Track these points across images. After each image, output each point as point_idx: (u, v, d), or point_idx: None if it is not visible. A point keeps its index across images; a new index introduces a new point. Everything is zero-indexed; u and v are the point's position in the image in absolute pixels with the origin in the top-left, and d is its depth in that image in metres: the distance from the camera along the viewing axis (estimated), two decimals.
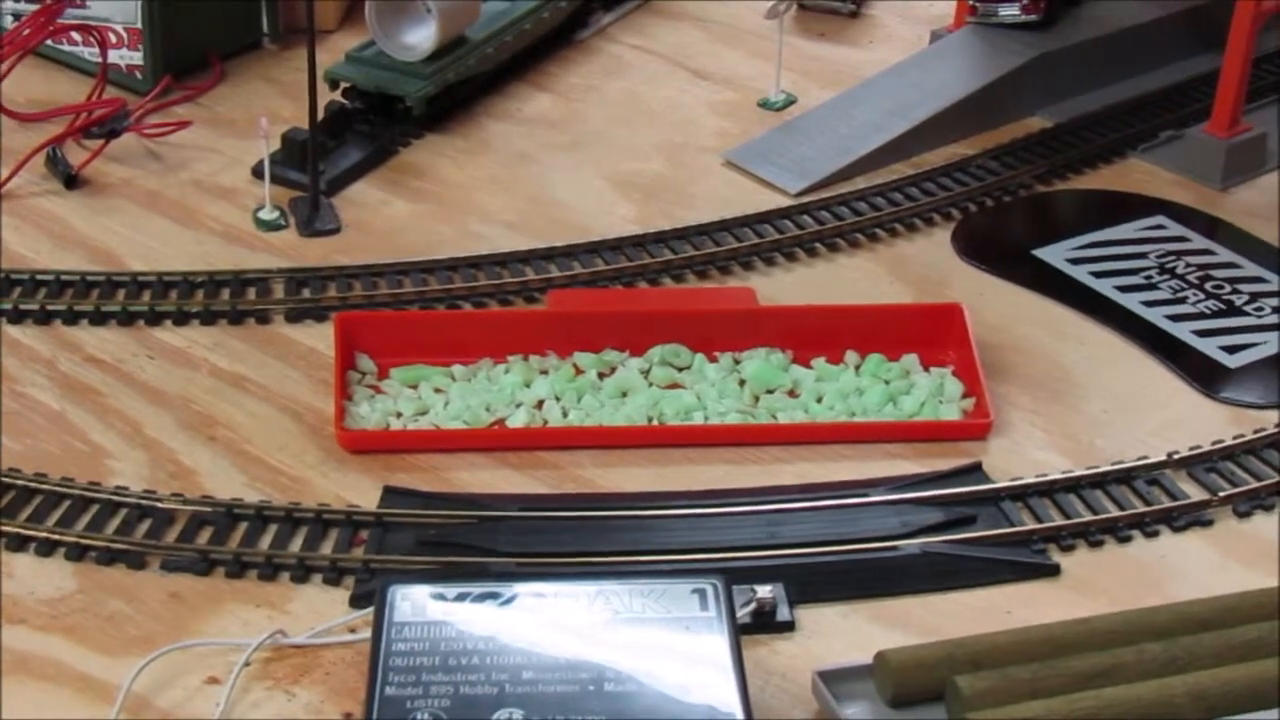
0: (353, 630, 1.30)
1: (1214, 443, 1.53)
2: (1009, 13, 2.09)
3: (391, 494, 1.45)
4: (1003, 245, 1.85)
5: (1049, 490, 1.47)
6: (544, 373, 1.59)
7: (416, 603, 1.21)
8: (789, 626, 1.32)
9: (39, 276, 1.69)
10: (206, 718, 1.23)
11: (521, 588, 1.22)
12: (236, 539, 1.39)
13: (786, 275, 1.77)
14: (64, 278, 1.69)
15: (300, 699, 1.25)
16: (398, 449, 1.51)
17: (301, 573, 1.36)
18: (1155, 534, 1.44)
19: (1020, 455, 1.53)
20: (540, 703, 1.12)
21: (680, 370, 1.61)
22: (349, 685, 1.25)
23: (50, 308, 1.65)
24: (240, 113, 2.01)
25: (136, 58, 2.03)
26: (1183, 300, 1.74)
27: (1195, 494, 1.48)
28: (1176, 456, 1.51)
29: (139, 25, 2.01)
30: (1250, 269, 1.79)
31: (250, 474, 1.47)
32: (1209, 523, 1.46)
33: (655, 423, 1.54)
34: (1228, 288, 1.76)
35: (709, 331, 1.62)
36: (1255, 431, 1.55)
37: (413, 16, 1.98)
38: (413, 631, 1.18)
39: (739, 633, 1.19)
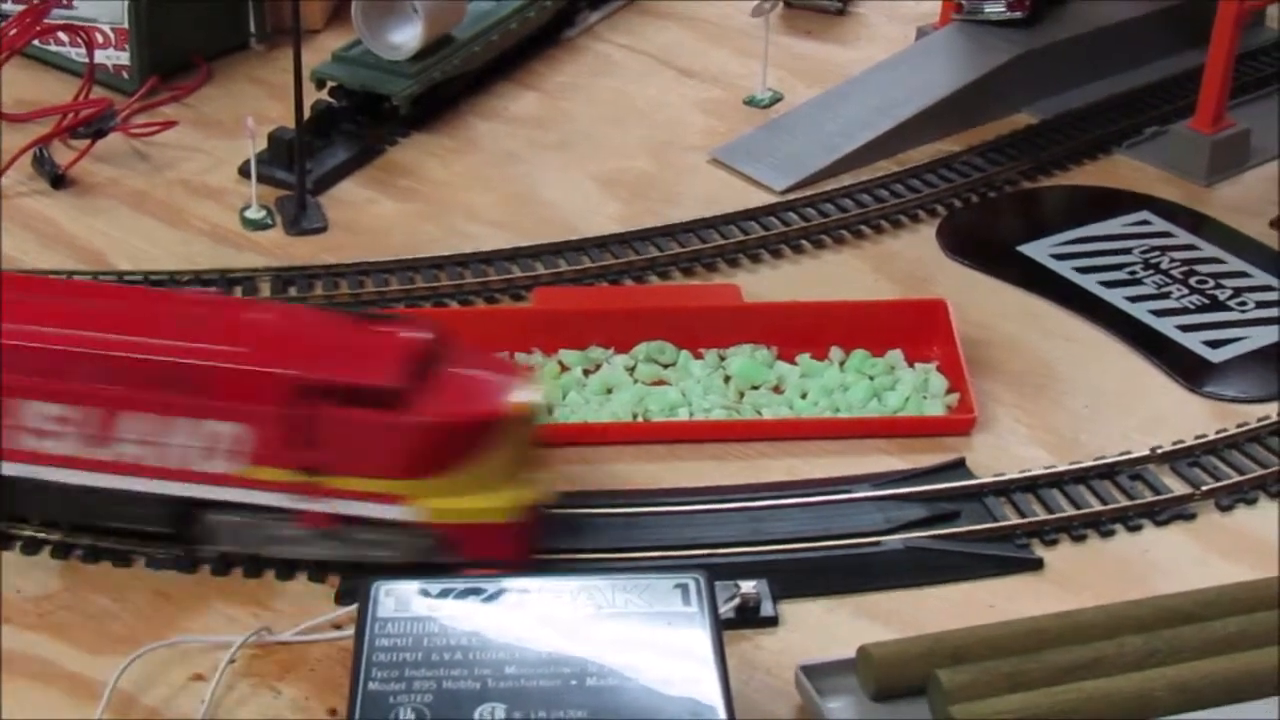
0: (337, 627, 1.30)
1: (1197, 437, 1.54)
2: (994, 10, 2.09)
3: None
4: (988, 241, 1.85)
5: (1032, 485, 1.48)
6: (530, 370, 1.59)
7: (400, 599, 1.21)
8: (772, 621, 1.33)
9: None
10: (192, 714, 1.23)
11: (505, 584, 1.22)
12: None
13: (772, 272, 1.78)
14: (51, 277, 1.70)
15: (285, 695, 1.25)
16: None
17: (286, 570, 1.37)
18: (1138, 528, 1.45)
19: (1004, 451, 1.53)
20: (523, 698, 1.13)
21: (665, 367, 1.61)
22: (334, 681, 1.26)
23: None
24: (227, 113, 2.01)
25: (123, 58, 2.03)
26: (1167, 295, 1.74)
27: (1178, 488, 1.48)
28: (1159, 451, 1.52)
29: (126, 25, 2.01)
30: (1234, 264, 1.79)
31: None
32: (1191, 516, 1.46)
33: (640, 419, 1.55)
34: (1211, 283, 1.76)
35: (694, 328, 1.62)
36: (1238, 426, 1.55)
37: (399, 16, 1.98)
38: (396, 627, 1.18)
39: (721, 628, 1.20)
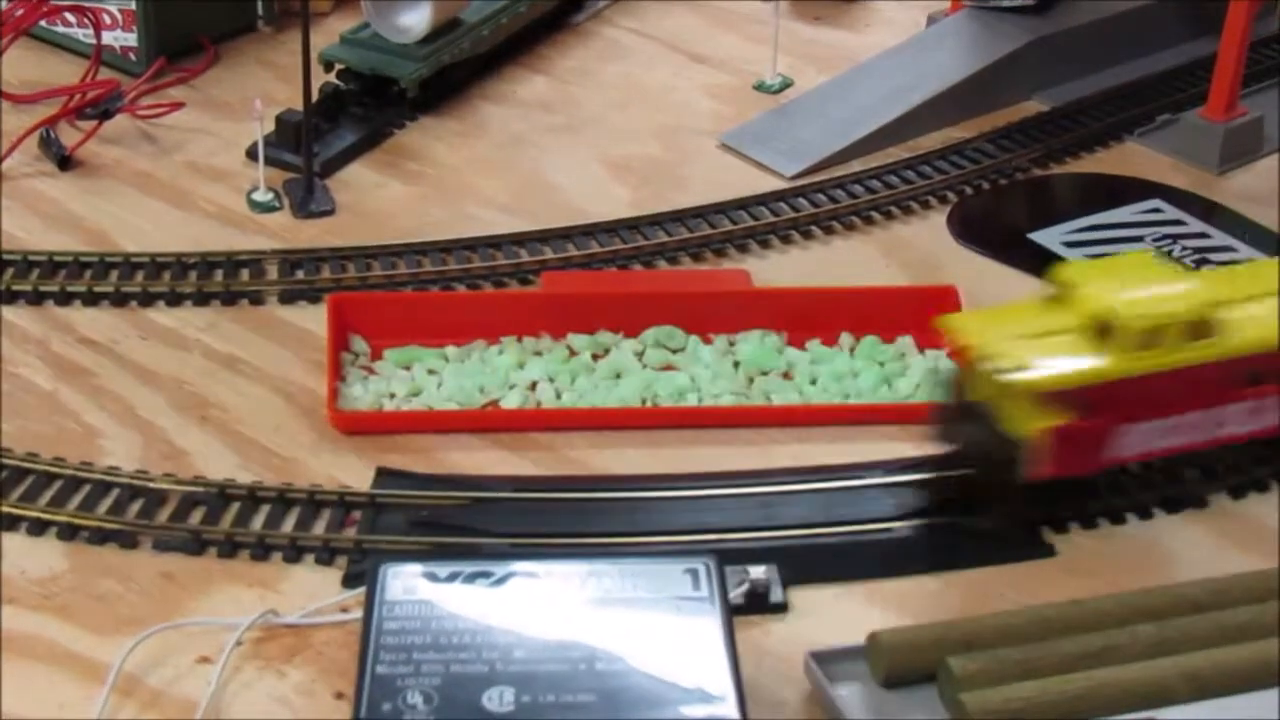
0: (345, 610, 1.29)
1: None
2: None
3: (384, 475, 1.45)
4: (999, 228, 1.84)
5: None
6: (538, 354, 1.59)
7: (408, 582, 1.20)
8: (782, 607, 1.32)
9: (31, 257, 1.69)
10: (198, 697, 1.22)
11: (513, 567, 1.22)
12: (229, 519, 1.39)
13: (781, 258, 1.77)
14: (57, 258, 1.69)
15: (291, 678, 1.25)
16: (391, 430, 1.50)
17: (294, 553, 1.36)
18: (1150, 516, 1.44)
19: None
20: (531, 682, 1.12)
21: (674, 352, 1.60)
22: (340, 665, 1.25)
23: (43, 288, 1.65)
24: (234, 95, 2.00)
25: (130, 39, 2.02)
26: None
27: (1190, 476, 1.47)
28: None
29: (133, 7, 2.00)
30: (1246, 252, 1.78)
31: (243, 454, 1.47)
32: (1204, 505, 1.45)
33: (649, 404, 1.54)
34: None
35: (703, 313, 1.62)
36: None
37: None
38: (404, 610, 1.18)
39: (731, 613, 1.19)
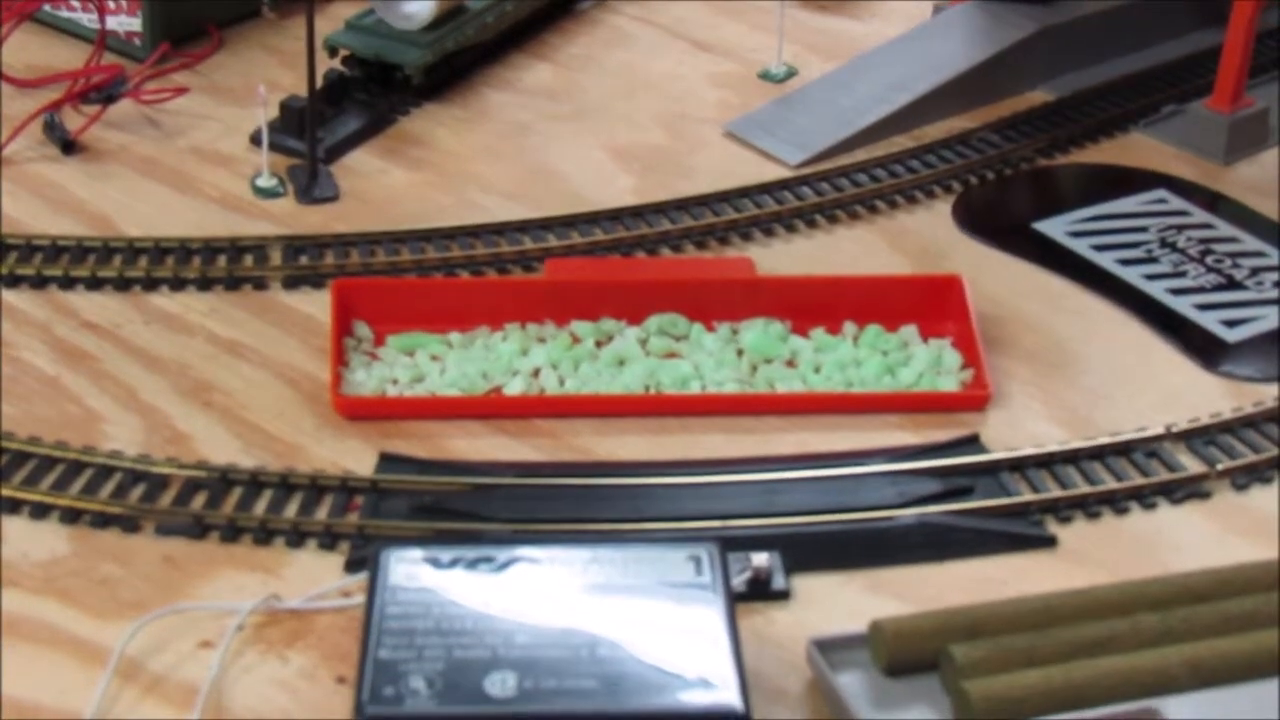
0: (347, 595, 1.29)
1: (1212, 416, 1.53)
2: None
3: (387, 460, 1.45)
4: (1003, 218, 1.84)
5: (1046, 462, 1.47)
6: (541, 341, 1.59)
7: (411, 567, 1.20)
8: (784, 595, 1.32)
9: (35, 241, 1.68)
10: (199, 681, 1.22)
11: (516, 553, 1.22)
12: (231, 504, 1.39)
13: (785, 246, 1.77)
14: (60, 243, 1.69)
15: (293, 663, 1.25)
16: (394, 416, 1.50)
17: (296, 538, 1.36)
18: (1153, 506, 1.44)
19: (1018, 427, 1.52)
20: (533, 667, 1.12)
21: (678, 340, 1.60)
22: (342, 650, 1.25)
23: (46, 273, 1.65)
24: (238, 80, 2.00)
25: (135, 24, 2.02)
26: (1183, 274, 1.73)
27: (1193, 467, 1.47)
28: (1175, 429, 1.51)
29: None
30: (1251, 243, 1.78)
31: (246, 439, 1.47)
32: (1206, 495, 1.45)
33: (652, 392, 1.54)
34: (1228, 262, 1.75)
35: (707, 301, 1.61)
36: (1254, 405, 1.54)
37: None
38: (406, 596, 1.18)
39: (734, 600, 1.19)
